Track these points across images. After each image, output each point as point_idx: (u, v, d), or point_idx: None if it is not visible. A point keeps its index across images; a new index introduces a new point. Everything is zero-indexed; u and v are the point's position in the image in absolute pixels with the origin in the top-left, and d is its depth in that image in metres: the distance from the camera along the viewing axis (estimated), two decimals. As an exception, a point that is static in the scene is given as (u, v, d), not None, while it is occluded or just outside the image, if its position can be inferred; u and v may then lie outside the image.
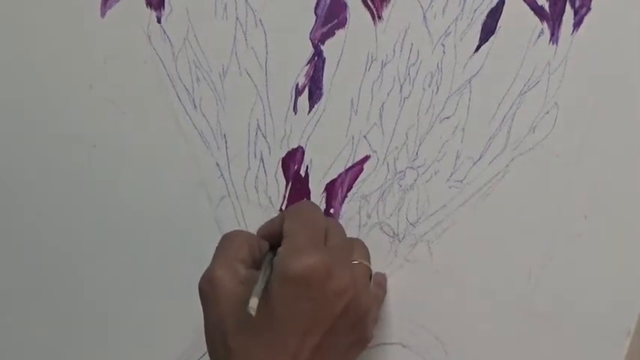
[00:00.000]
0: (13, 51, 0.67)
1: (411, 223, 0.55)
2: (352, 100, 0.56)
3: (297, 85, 0.58)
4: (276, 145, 0.59)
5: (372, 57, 0.56)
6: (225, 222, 0.61)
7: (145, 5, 0.62)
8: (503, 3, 0.52)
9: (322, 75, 0.57)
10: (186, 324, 0.60)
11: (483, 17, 0.53)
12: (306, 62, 0.58)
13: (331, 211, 0.58)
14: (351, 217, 0.57)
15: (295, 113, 0.58)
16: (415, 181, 0.55)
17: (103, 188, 0.65)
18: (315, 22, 0.57)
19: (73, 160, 0.66)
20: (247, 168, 0.60)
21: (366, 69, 0.56)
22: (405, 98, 0.55)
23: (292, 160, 0.59)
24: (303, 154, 0.58)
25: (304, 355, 0.48)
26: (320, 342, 0.48)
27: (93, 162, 0.65)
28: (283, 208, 0.59)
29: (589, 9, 0.50)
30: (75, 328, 0.67)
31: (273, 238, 0.51)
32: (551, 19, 0.51)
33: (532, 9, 0.51)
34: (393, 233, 0.56)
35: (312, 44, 0.57)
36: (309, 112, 0.58)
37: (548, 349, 0.51)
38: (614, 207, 0.50)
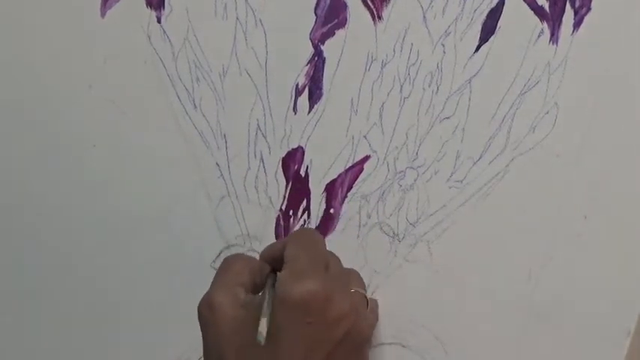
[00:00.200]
0: (13, 51, 0.67)
1: (410, 223, 0.55)
2: (352, 100, 0.56)
3: (297, 85, 0.58)
4: (276, 145, 0.59)
5: (372, 57, 0.56)
6: (225, 222, 0.61)
7: (144, 5, 0.62)
8: (503, 3, 0.52)
9: (322, 75, 0.57)
10: (186, 324, 0.60)
11: (483, 17, 0.53)
12: (306, 62, 0.58)
13: (331, 211, 0.58)
14: (351, 217, 0.57)
15: (295, 113, 0.58)
16: (415, 181, 0.55)
17: (103, 188, 0.65)
18: (315, 22, 0.57)
19: (73, 160, 0.66)
20: (247, 168, 0.60)
21: (366, 69, 0.56)
22: (405, 98, 0.55)
23: (292, 160, 0.59)
24: (303, 154, 0.58)
25: None
26: None
27: (93, 162, 0.65)
28: (283, 208, 0.59)
29: (589, 9, 0.50)
30: (75, 328, 0.67)
31: (274, 262, 0.51)
32: (551, 19, 0.51)
33: (532, 9, 0.51)
34: (393, 233, 0.56)
35: (312, 44, 0.57)
36: (309, 112, 0.58)
37: (548, 349, 0.51)
38: (614, 207, 0.50)
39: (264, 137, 0.59)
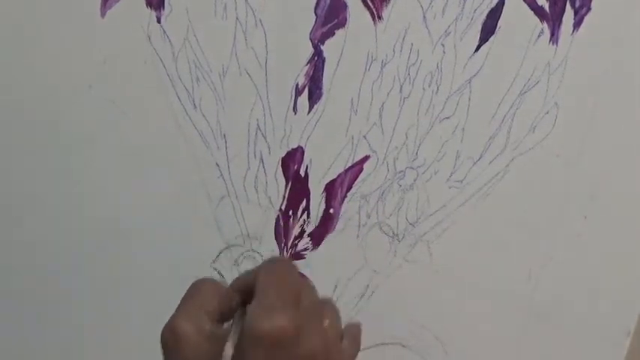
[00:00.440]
0: (14, 51, 0.67)
1: (410, 223, 0.55)
2: (352, 100, 0.56)
3: (297, 85, 0.58)
4: (276, 145, 0.59)
5: (372, 57, 0.56)
6: (225, 222, 0.61)
7: (144, 5, 0.62)
8: (503, 3, 0.52)
9: (322, 75, 0.57)
10: (186, 324, 0.60)
11: (483, 17, 0.53)
12: (306, 62, 0.58)
13: (331, 211, 0.58)
14: (351, 217, 0.57)
15: (295, 113, 0.58)
16: (415, 181, 0.55)
17: (103, 188, 0.65)
18: (315, 22, 0.57)
19: (73, 159, 0.66)
20: (247, 168, 0.60)
21: (366, 69, 0.56)
22: (405, 98, 0.55)
23: (292, 160, 0.59)
24: (303, 154, 0.58)
25: None
26: None
27: (93, 162, 0.65)
28: (283, 208, 0.59)
29: (589, 9, 0.50)
30: (74, 328, 0.67)
31: (245, 293, 0.48)
32: (551, 19, 0.51)
33: (532, 9, 0.51)
34: (393, 233, 0.56)
35: (312, 44, 0.57)
36: (309, 112, 0.58)
37: (548, 349, 0.51)
38: (614, 207, 0.50)
39: (264, 137, 0.59)
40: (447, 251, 0.54)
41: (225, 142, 0.61)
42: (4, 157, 0.69)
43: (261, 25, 0.59)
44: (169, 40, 0.61)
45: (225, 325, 0.48)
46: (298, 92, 0.58)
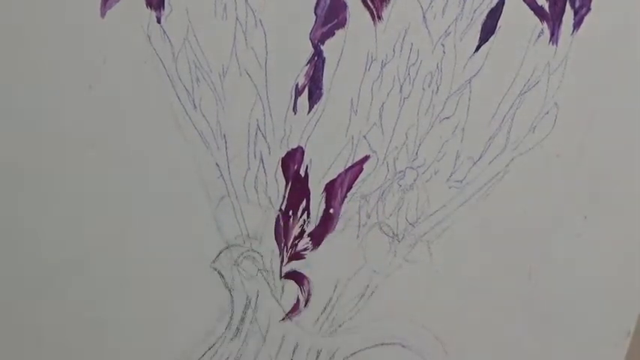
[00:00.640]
0: (13, 51, 0.67)
1: (410, 223, 0.55)
2: (352, 100, 0.56)
3: (297, 85, 0.58)
4: (276, 145, 0.59)
5: (372, 57, 0.56)
6: (225, 222, 0.61)
7: (144, 5, 0.62)
8: (503, 3, 0.52)
9: (322, 75, 0.57)
10: (186, 324, 0.60)
11: (483, 17, 0.53)
12: (306, 62, 0.58)
13: (331, 211, 0.58)
14: (351, 217, 0.57)
15: (295, 113, 0.58)
16: (415, 181, 0.55)
17: (103, 188, 0.65)
18: (315, 22, 0.57)
19: (73, 160, 0.66)
20: (247, 168, 0.60)
21: (366, 69, 0.56)
22: (404, 98, 0.55)
23: (292, 160, 0.59)
24: (303, 154, 0.58)
25: None
26: None
27: (92, 162, 0.65)
28: (283, 208, 0.59)
29: (589, 9, 0.50)
30: (74, 329, 0.67)
31: None
32: (551, 19, 0.51)
33: (532, 9, 0.51)
34: (393, 233, 0.56)
35: (312, 44, 0.57)
36: (309, 112, 0.58)
37: (548, 349, 0.51)
38: (614, 207, 0.50)
39: (264, 137, 0.59)
40: (447, 251, 0.54)
41: (225, 142, 0.61)
42: (3, 157, 0.69)
43: (261, 25, 0.59)
44: (169, 40, 0.61)
45: None
46: (298, 92, 0.58)
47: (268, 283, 0.61)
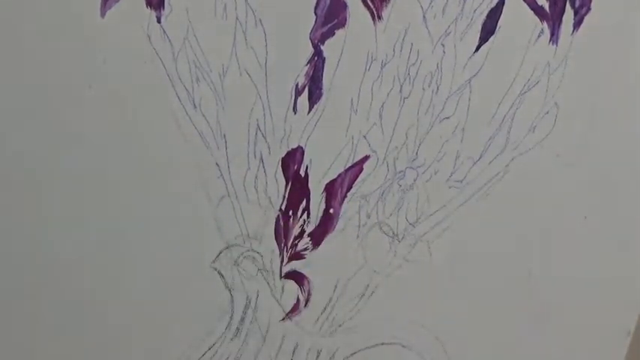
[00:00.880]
0: (13, 51, 0.67)
1: (410, 223, 0.55)
2: (352, 100, 0.56)
3: (297, 85, 0.58)
4: (276, 145, 0.59)
5: (372, 57, 0.56)
6: (225, 222, 0.61)
7: (144, 5, 0.62)
8: (503, 3, 0.52)
9: (322, 75, 0.57)
10: (186, 324, 0.60)
11: (483, 17, 0.53)
12: (306, 62, 0.58)
13: (331, 211, 0.58)
14: (351, 217, 0.57)
15: (295, 113, 0.58)
16: (415, 181, 0.55)
17: (102, 188, 0.65)
18: (315, 22, 0.57)
19: (73, 160, 0.66)
20: (247, 168, 0.60)
21: (366, 69, 0.56)
22: (404, 98, 0.55)
23: (292, 160, 0.59)
24: (303, 154, 0.58)
25: None
26: None
27: (92, 162, 0.65)
28: (283, 208, 0.59)
29: (589, 9, 0.50)
30: (74, 329, 0.67)
31: None
32: (551, 19, 0.51)
33: (532, 9, 0.51)
34: (393, 233, 0.56)
35: (312, 44, 0.57)
36: (309, 112, 0.58)
37: (548, 348, 0.51)
38: (614, 207, 0.50)
39: (264, 137, 0.59)
40: (447, 251, 0.54)
41: (225, 142, 0.61)
42: (3, 157, 0.69)
43: (261, 25, 0.59)
44: (169, 40, 0.61)
45: None
46: (298, 92, 0.58)
47: (268, 283, 0.61)
